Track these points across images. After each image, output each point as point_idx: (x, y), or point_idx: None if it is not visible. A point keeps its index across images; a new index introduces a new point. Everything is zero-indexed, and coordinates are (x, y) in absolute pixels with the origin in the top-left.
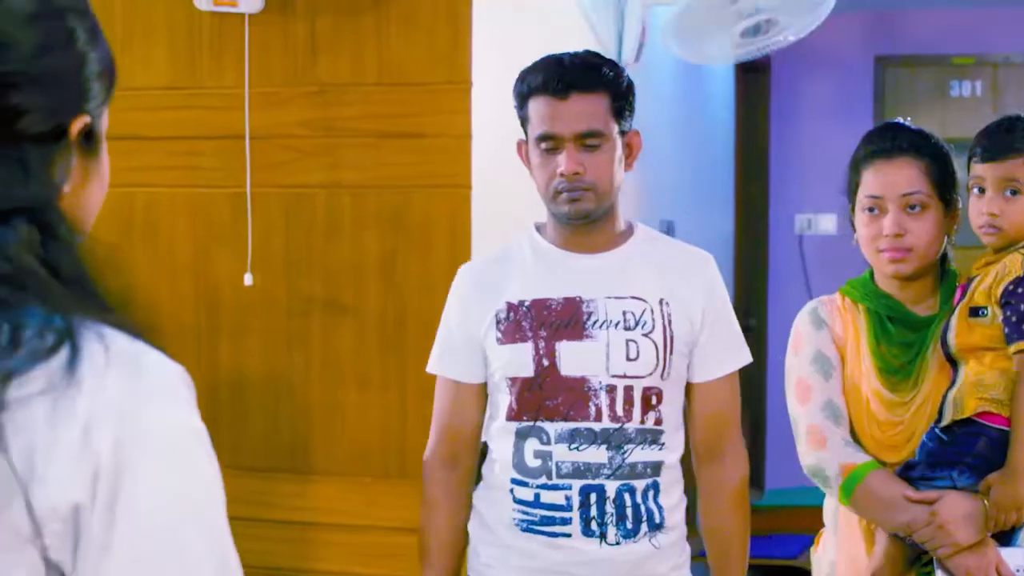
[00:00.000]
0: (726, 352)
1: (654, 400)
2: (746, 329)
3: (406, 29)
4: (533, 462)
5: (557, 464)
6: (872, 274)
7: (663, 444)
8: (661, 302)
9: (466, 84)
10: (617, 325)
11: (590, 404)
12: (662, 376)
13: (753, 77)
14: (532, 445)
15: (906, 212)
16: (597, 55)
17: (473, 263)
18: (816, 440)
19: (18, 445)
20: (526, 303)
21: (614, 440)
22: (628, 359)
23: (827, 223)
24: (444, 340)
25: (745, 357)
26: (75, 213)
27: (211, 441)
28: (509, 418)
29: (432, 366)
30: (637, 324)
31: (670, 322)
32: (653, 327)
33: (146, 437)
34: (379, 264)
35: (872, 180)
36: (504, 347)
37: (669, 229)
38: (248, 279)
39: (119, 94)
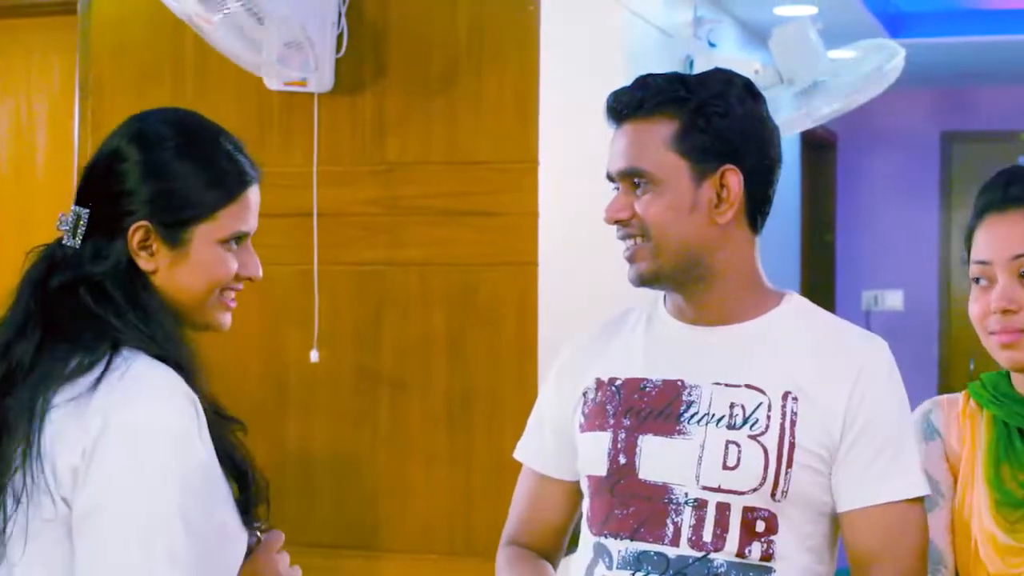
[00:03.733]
0: (879, 473)
1: (761, 527)
2: None
3: (473, 109)
4: None
5: None
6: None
7: None
8: (786, 396)
9: (533, 163)
10: (720, 421)
11: (667, 521)
12: (774, 495)
13: (820, 152)
14: (600, 570)
15: (1020, 281)
16: (719, 72)
17: (584, 332)
18: None
19: (49, 431)
20: (617, 382)
21: (692, 574)
22: (725, 467)
23: (894, 300)
24: (533, 421)
25: (909, 487)
26: (165, 286)
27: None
28: (589, 528)
29: (517, 450)
30: (745, 422)
31: (793, 424)
32: (767, 428)
33: (117, 427)
34: (446, 341)
35: (981, 241)
36: (584, 436)
37: None
38: (314, 355)
39: None
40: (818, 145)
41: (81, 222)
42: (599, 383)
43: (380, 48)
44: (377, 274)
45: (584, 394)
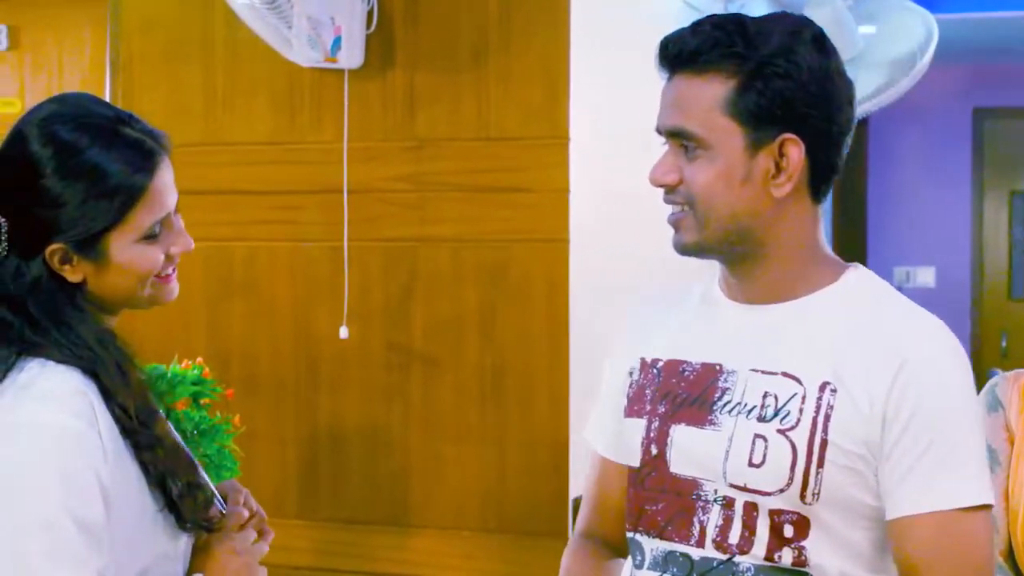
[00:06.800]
0: (924, 478)
1: (790, 531)
2: None
3: (504, 85)
4: None
5: None
6: None
7: None
8: (823, 388)
9: (564, 139)
10: (750, 412)
11: (693, 520)
12: (803, 497)
13: None
14: (630, 568)
15: None
16: (785, 19)
17: (644, 298)
18: None
19: None
20: (659, 363)
21: None
22: (751, 464)
23: (926, 276)
24: (598, 399)
25: (960, 494)
26: (97, 289)
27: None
28: (626, 522)
29: (585, 429)
30: (776, 414)
31: (827, 419)
32: (797, 423)
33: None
34: (477, 317)
35: None
36: (626, 421)
37: None
38: (344, 332)
39: (221, 149)
40: None
41: (3, 232)
42: (643, 364)
43: (410, 24)
44: (407, 250)
45: (630, 374)
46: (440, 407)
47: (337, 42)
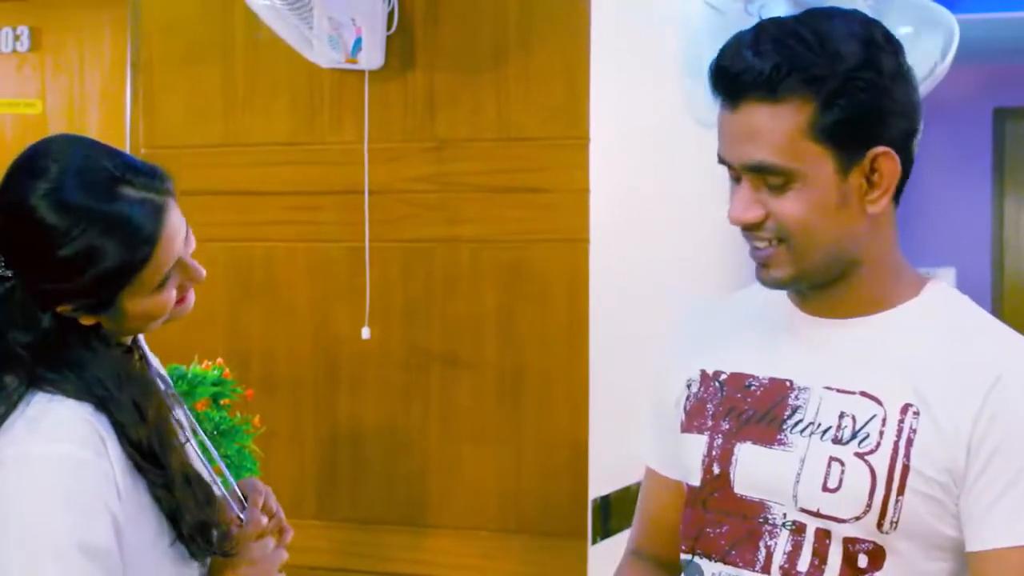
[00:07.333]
0: (1013, 509)
1: (863, 561)
2: None
3: (524, 85)
4: None
5: None
6: None
7: None
8: (905, 409)
9: (584, 139)
10: (825, 433)
11: (760, 544)
12: (880, 526)
13: None
14: None
15: None
16: (851, 23)
17: (700, 301)
18: None
19: None
20: (723, 376)
21: None
22: (826, 488)
23: (946, 277)
24: (647, 411)
25: None
26: (114, 330)
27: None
28: (681, 541)
29: (639, 443)
30: (854, 436)
31: (909, 443)
32: (877, 446)
33: (9, 461)
34: (496, 318)
35: None
36: (682, 437)
37: None
38: (366, 332)
39: (240, 150)
40: None
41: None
42: (703, 376)
43: (430, 25)
44: (427, 251)
45: (688, 386)
46: (459, 407)
47: (358, 43)
